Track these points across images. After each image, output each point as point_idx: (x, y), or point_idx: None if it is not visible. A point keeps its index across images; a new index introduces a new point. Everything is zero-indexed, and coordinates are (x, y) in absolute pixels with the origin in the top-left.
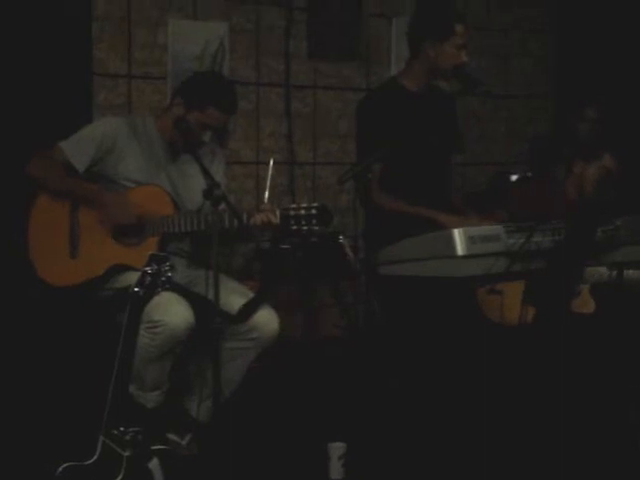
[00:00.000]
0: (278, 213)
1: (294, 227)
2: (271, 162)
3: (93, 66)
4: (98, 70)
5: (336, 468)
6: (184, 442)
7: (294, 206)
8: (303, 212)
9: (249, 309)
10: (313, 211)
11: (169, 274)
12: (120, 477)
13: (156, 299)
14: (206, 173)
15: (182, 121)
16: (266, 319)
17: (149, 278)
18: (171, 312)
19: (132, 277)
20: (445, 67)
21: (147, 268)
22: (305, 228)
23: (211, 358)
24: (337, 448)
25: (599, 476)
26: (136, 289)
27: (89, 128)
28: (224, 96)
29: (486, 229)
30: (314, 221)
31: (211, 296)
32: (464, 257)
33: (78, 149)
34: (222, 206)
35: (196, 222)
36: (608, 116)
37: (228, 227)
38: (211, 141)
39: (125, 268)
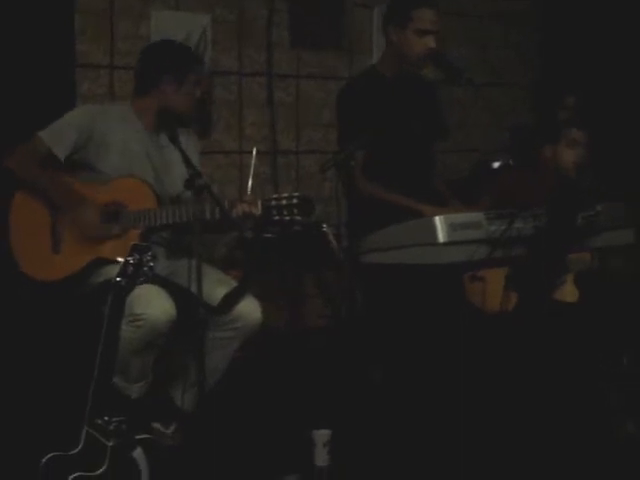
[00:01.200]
0: (260, 203)
1: (276, 217)
2: (254, 151)
3: (76, 57)
4: (81, 61)
5: (321, 455)
6: (169, 431)
7: (275, 196)
8: (285, 202)
9: (231, 299)
10: (295, 201)
11: (151, 264)
12: (104, 467)
13: (137, 291)
14: (188, 162)
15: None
16: (249, 309)
17: (131, 268)
18: (152, 305)
19: (114, 270)
20: (410, 54)
21: (129, 258)
22: (287, 218)
23: (195, 348)
24: (322, 435)
25: (580, 463)
26: (118, 279)
27: (69, 115)
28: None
29: (467, 216)
30: (296, 211)
31: (194, 288)
32: (445, 244)
33: (58, 136)
34: (203, 195)
35: (178, 214)
36: (588, 104)
37: (210, 218)
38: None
39: (107, 262)
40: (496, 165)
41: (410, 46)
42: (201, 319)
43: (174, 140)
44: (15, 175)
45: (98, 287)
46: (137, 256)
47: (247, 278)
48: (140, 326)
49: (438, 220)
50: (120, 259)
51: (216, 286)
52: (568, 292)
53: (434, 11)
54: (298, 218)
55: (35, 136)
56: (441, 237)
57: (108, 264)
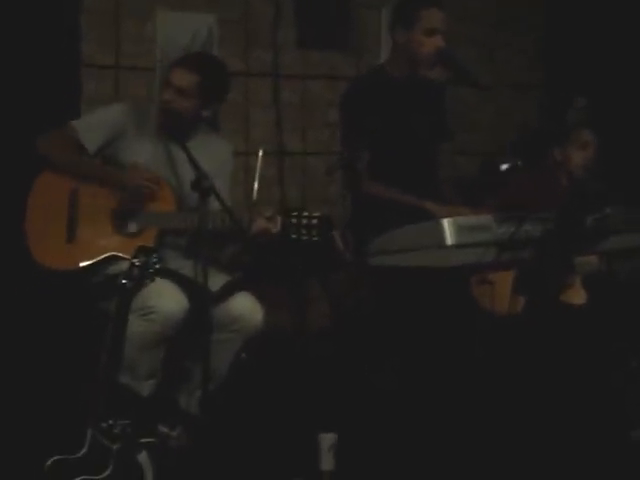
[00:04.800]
0: (279, 221)
1: (294, 236)
2: (260, 153)
3: (81, 58)
4: (86, 62)
5: (327, 459)
6: (174, 434)
7: (295, 214)
8: (305, 221)
9: (229, 289)
10: (314, 221)
11: (157, 266)
12: (109, 470)
13: (150, 285)
14: (194, 163)
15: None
16: (250, 310)
17: (137, 270)
18: (165, 297)
19: (124, 266)
20: (419, 54)
21: (135, 260)
22: (305, 238)
23: (199, 350)
24: (328, 439)
25: (591, 465)
26: (124, 281)
27: (102, 111)
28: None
29: (476, 219)
30: (314, 232)
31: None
32: (454, 247)
33: (91, 130)
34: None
35: (196, 221)
36: (597, 106)
37: (226, 231)
38: (211, 133)
39: (119, 258)
40: (504, 167)
41: (418, 46)
42: (208, 317)
43: (180, 143)
44: (48, 159)
45: (106, 280)
46: (143, 258)
47: (248, 274)
48: (153, 319)
49: (446, 223)
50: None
51: (218, 283)
52: (576, 294)
53: (440, 10)
54: (315, 239)
55: (68, 124)
56: (449, 240)
57: (119, 259)
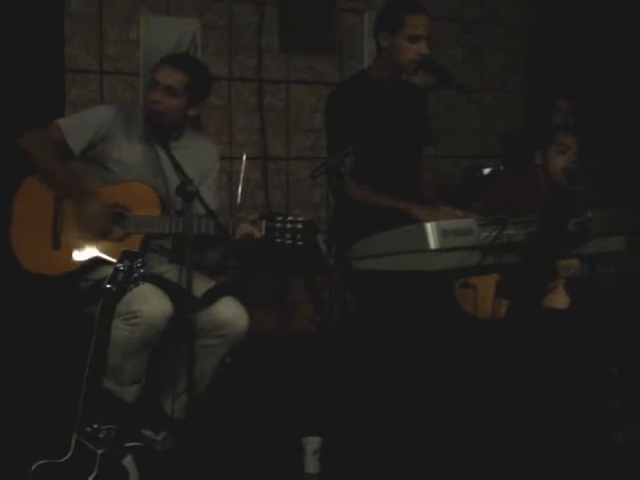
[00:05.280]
0: (263, 225)
1: (278, 240)
2: (244, 157)
3: (65, 62)
4: (70, 66)
5: (311, 462)
6: (159, 438)
7: (280, 219)
8: (289, 226)
9: (212, 295)
10: (299, 225)
11: (142, 271)
12: (94, 474)
13: (134, 290)
14: (178, 167)
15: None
16: (235, 315)
17: (121, 275)
18: (149, 302)
19: (109, 270)
20: (402, 60)
21: (119, 265)
22: (289, 242)
23: (184, 354)
24: (312, 442)
25: (574, 470)
26: (108, 285)
27: (89, 112)
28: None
29: (459, 223)
30: (299, 236)
31: (183, 284)
32: (437, 251)
33: (76, 130)
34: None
35: (181, 226)
36: (580, 110)
37: (205, 232)
38: (197, 133)
39: (105, 262)
40: (487, 171)
41: (402, 52)
42: (192, 323)
43: (162, 144)
44: (28, 156)
45: (93, 285)
46: (127, 263)
47: (232, 278)
48: (137, 323)
49: (429, 226)
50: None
51: (202, 287)
52: (558, 299)
53: (425, 16)
54: (300, 244)
55: (53, 123)
56: (432, 244)
57: (105, 264)
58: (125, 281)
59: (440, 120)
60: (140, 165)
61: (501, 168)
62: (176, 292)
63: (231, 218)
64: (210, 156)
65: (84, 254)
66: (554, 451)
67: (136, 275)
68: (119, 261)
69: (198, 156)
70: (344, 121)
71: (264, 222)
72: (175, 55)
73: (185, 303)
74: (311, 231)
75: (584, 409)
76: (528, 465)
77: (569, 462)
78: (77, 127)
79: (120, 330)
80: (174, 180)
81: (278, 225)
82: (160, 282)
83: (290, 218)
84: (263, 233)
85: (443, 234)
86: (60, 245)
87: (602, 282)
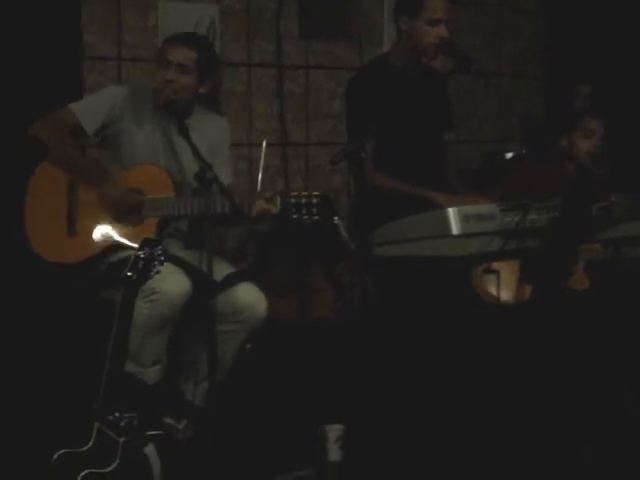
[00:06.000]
0: (278, 201)
1: (294, 216)
2: (264, 144)
3: (83, 49)
4: (88, 53)
5: (333, 450)
6: (180, 426)
7: (295, 194)
8: (304, 201)
9: (233, 279)
10: (314, 200)
11: (162, 258)
12: (116, 463)
13: None
14: (197, 153)
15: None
16: (253, 300)
17: (142, 262)
18: (168, 280)
19: (126, 253)
20: (422, 43)
21: (140, 252)
22: (305, 217)
23: (204, 340)
24: (334, 430)
25: (596, 457)
26: (129, 273)
27: (100, 93)
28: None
29: (481, 208)
30: (315, 210)
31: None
32: (459, 236)
33: (89, 111)
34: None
35: (195, 206)
36: (602, 93)
37: (221, 212)
38: (205, 109)
39: (122, 247)
40: (509, 155)
41: (422, 36)
42: (212, 307)
43: (182, 132)
44: (43, 143)
45: (109, 268)
46: (148, 250)
47: (253, 265)
48: (156, 299)
49: (451, 212)
50: (135, 245)
51: (222, 272)
52: (578, 280)
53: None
54: (316, 218)
55: (65, 107)
56: (454, 229)
57: (120, 247)
58: (145, 269)
59: (459, 104)
60: (152, 147)
61: (523, 152)
62: (195, 274)
63: (247, 197)
64: (220, 129)
65: (100, 241)
66: (561, 439)
67: (156, 262)
68: (139, 248)
69: (209, 131)
70: (364, 106)
71: (279, 198)
72: (181, 34)
73: (205, 285)
74: (327, 204)
75: (599, 396)
76: (546, 447)
77: (575, 451)
78: (90, 108)
79: (140, 308)
80: (188, 161)
81: (293, 200)
82: (179, 262)
83: (305, 193)
84: (279, 209)
85: (465, 219)
86: (76, 232)
87: (624, 265)
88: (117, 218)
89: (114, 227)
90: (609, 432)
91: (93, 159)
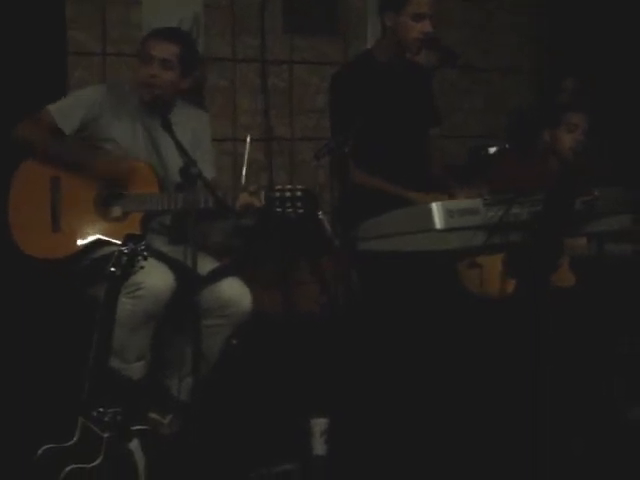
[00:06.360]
0: (263, 195)
1: (278, 209)
2: (248, 139)
3: (68, 45)
4: (73, 49)
5: (319, 444)
6: (165, 421)
7: (279, 187)
8: (288, 194)
9: (217, 274)
10: (298, 194)
11: (145, 253)
12: (100, 458)
13: None
14: (181, 148)
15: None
16: (238, 295)
17: (125, 258)
18: (152, 275)
19: (110, 249)
20: (406, 39)
21: (123, 248)
22: (290, 211)
23: (189, 335)
24: (319, 424)
25: (585, 449)
26: (112, 269)
27: (78, 93)
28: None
29: (464, 202)
30: (299, 204)
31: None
32: (443, 231)
33: (66, 112)
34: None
35: (180, 201)
36: (586, 88)
37: (204, 206)
38: (187, 104)
39: (106, 243)
40: (492, 150)
41: (406, 31)
42: (196, 302)
43: (166, 127)
44: (26, 141)
45: (89, 264)
46: (131, 245)
47: (237, 259)
48: (140, 295)
49: (435, 206)
50: (118, 242)
51: (206, 267)
52: (564, 277)
53: None
54: (301, 211)
55: (44, 109)
56: (438, 223)
57: (106, 244)
58: (129, 264)
59: (444, 99)
60: (133, 143)
61: (507, 146)
62: (180, 269)
63: (230, 191)
64: (201, 121)
65: (85, 237)
66: (552, 432)
67: (140, 258)
68: (123, 244)
69: (190, 125)
70: (348, 102)
71: (263, 192)
72: (163, 29)
73: (189, 280)
74: (311, 198)
75: (587, 389)
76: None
77: (567, 444)
78: (67, 109)
79: (123, 304)
80: (171, 157)
81: (277, 194)
82: (163, 257)
83: (289, 187)
84: (263, 203)
85: (449, 214)
86: (60, 228)
87: (608, 260)
88: (100, 212)
89: (98, 222)
90: (600, 425)
91: (77, 142)
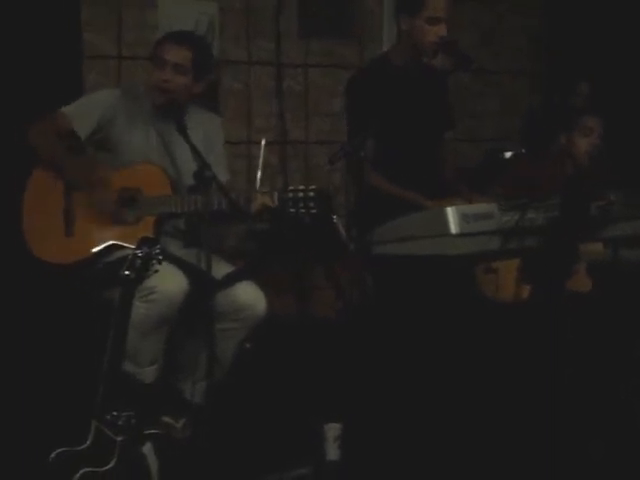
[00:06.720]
0: (276, 196)
1: (292, 210)
2: (263, 142)
3: (83, 48)
4: (88, 52)
5: (332, 449)
6: (179, 425)
7: (292, 188)
8: (301, 195)
9: (232, 278)
10: (311, 194)
11: (160, 257)
12: (113, 462)
13: None
14: (195, 152)
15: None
16: (253, 299)
17: (139, 261)
18: (165, 278)
19: (123, 253)
20: (422, 42)
21: (138, 251)
22: (303, 211)
23: (203, 338)
24: (333, 429)
25: (600, 454)
26: (127, 272)
27: (92, 95)
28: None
29: (479, 207)
30: (312, 204)
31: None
32: (458, 235)
33: (81, 115)
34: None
35: (193, 204)
36: (601, 91)
37: (218, 209)
38: (199, 108)
39: (120, 247)
40: (508, 154)
41: (422, 35)
42: (211, 306)
43: (181, 131)
44: (35, 150)
45: (104, 268)
46: (146, 249)
47: (252, 263)
48: (154, 299)
49: (450, 211)
50: (132, 246)
51: (221, 270)
52: (581, 282)
53: None
54: (314, 212)
55: (58, 112)
56: (453, 228)
57: (120, 249)
58: (143, 267)
59: (459, 103)
60: (146, 147)
61: (522, 151)
62: (194, 273)
63: (244, 193)
64: (213, 125)
65: (98, 242)
66: (570, 437)
67: (154, 261)
68: (137, 247)
69: (203, 129)
70: (364, 105)
71: (276, 193)
72: (176, 32)
73: (203, 284)
74: (324, 199)
75: (604, 393)
76: (544, 449)
77: (585, 448)
78: (82, 112)
79: (137, 308)
80: (184, 161)
81: (290, 195)
82: (177, 261)
83: (302, 187)
84: (276, 203)
85: (464, 219)
86: (73, 232)
87: (625, 266)
88: (114, 218)
89: (111, 226)
90: (618, 429)
91: (85, 161)
